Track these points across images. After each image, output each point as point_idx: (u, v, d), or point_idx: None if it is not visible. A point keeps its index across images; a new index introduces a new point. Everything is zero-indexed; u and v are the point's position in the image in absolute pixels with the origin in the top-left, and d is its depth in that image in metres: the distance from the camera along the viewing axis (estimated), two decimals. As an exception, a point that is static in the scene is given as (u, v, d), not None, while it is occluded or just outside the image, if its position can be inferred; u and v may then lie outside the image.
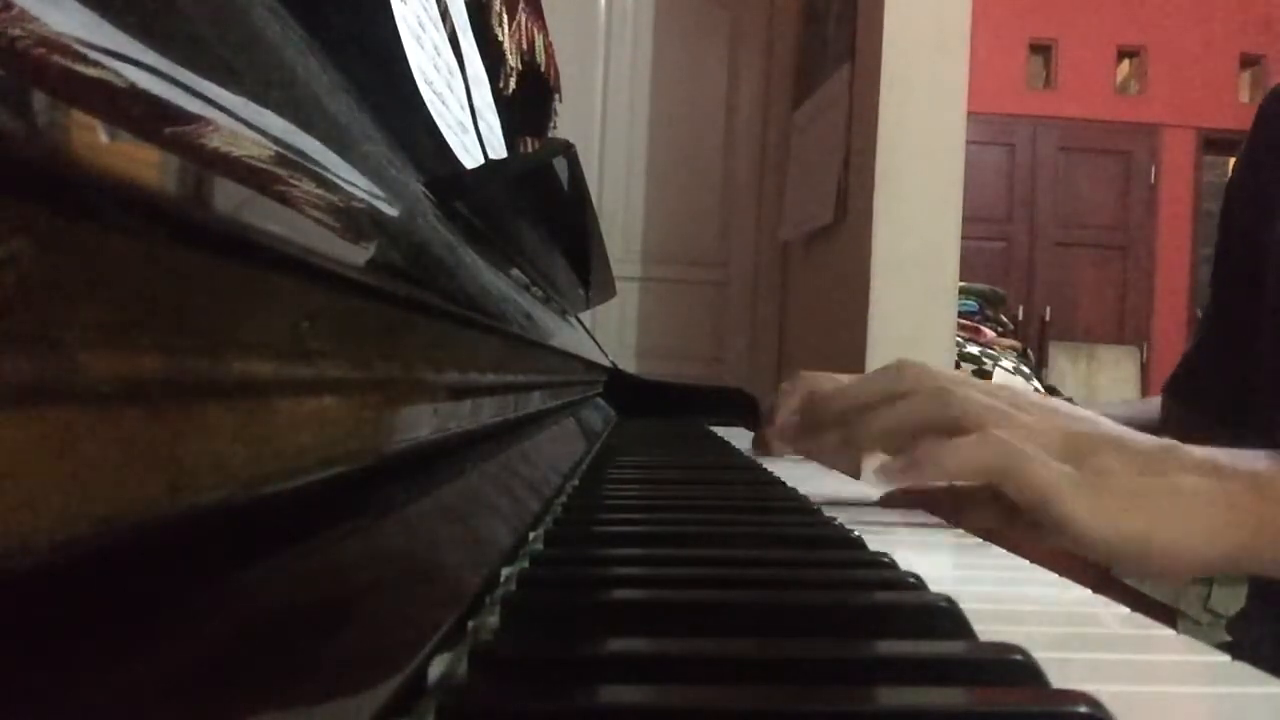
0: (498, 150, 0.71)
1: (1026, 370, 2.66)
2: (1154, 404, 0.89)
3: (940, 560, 0.43)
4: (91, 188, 0.11)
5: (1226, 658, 0.27)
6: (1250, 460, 0.49)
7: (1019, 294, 4.93)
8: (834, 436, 0.56)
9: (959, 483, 0.52)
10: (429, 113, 0.47)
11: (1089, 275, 5.19)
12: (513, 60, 1.07)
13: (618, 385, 1.32)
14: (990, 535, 0.48)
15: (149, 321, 0.13)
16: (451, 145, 0.51)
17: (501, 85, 1.00)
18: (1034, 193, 5.17)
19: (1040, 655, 0.23)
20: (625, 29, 2.77)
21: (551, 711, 0.20)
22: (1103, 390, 4.95)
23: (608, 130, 2.76)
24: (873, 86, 1.91)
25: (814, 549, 0.39)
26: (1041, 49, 5.16)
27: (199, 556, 0.15)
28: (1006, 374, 2.53)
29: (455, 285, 0.31)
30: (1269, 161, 0.78)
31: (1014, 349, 2.81)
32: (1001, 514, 0.51)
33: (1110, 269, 5.20)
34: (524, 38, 1.15)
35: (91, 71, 0.11)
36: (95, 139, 0.11)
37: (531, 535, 0.39)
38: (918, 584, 0.31)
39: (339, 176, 0.20)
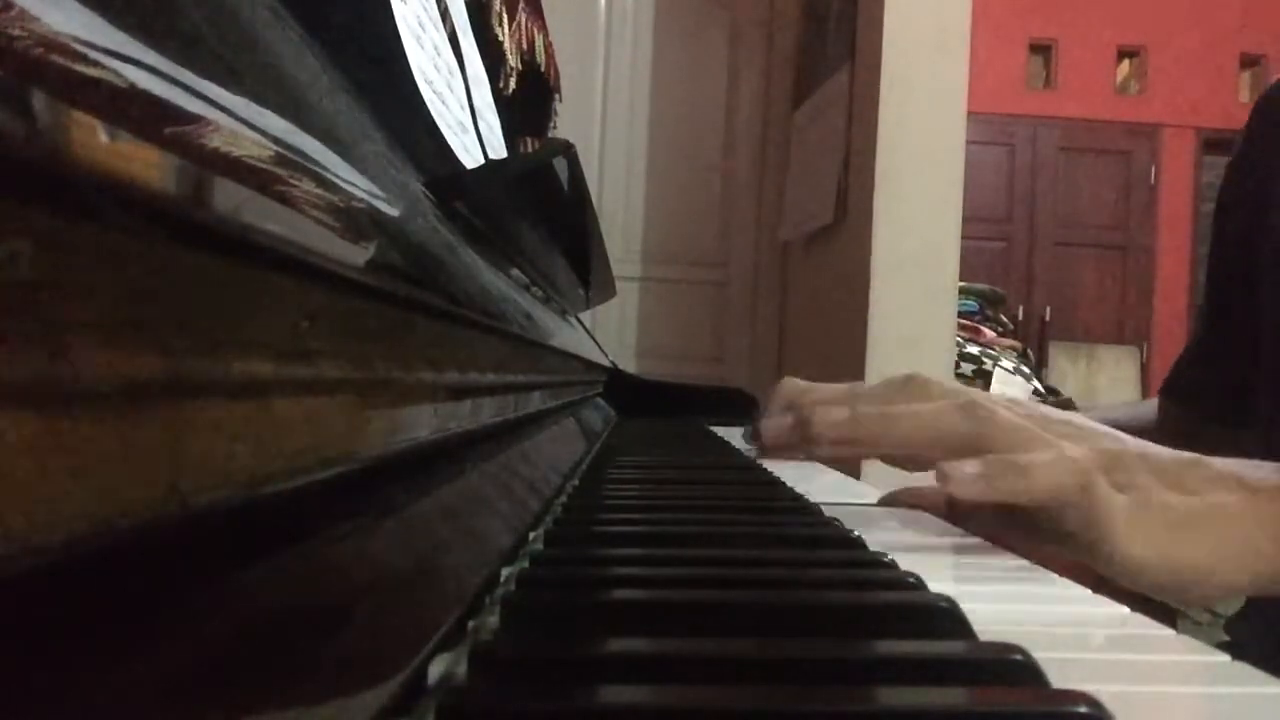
0: (498, 150, 0.71)
1: (1026, 370, 2.66)
2: (1151, 406, 0.88)
3: (941, 560, 0.43)
4: (91, 188, 0.11)
5: (1226, 658, 0.27)
6: (1270, 473, 0.48)
7: (1019, 294, 4.94)
8: (838, 438, 0.53)
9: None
10: (429, 113, 0.47)
11: (1089, 275, 5.19)
12: (513, 60, 1.07)
13: (618, 385, 1.32)
14: (989, 536, 0.47)
15: (149, 321, 0.13)
16: (451, 145, 0.51)
17: (501, 85, 1.00)
18: (1034, 193, 5.17)
19: (1040, 655, 0.23)
20: (625, 29, 2.77)
21: (551, 711, 0.20)
22: (1103, 390, 4.95)
23: (608, 130, 2.76)
24: (873, 86, 1.91)
25: (814, 549, 0.39)
26: (1041, 49, 5.16)
27: (199, 556, 0.15)
28: (1006, 374, 2.53)
29: (455, 285, 0.31)
30: (1263, 161, 0.78)
31: (1014, 349, 2.81)
32: (1000, 517, 0.51)
33: (1110, 269, 5.20)
34: (524, 38, 1.15)
35: (91, 71, 0.11)
36: (95, 139, 0.11)
37: (531, 535, 0.39)
38: (918, 584, 0.31)
39: (339, 176, 0.20)
